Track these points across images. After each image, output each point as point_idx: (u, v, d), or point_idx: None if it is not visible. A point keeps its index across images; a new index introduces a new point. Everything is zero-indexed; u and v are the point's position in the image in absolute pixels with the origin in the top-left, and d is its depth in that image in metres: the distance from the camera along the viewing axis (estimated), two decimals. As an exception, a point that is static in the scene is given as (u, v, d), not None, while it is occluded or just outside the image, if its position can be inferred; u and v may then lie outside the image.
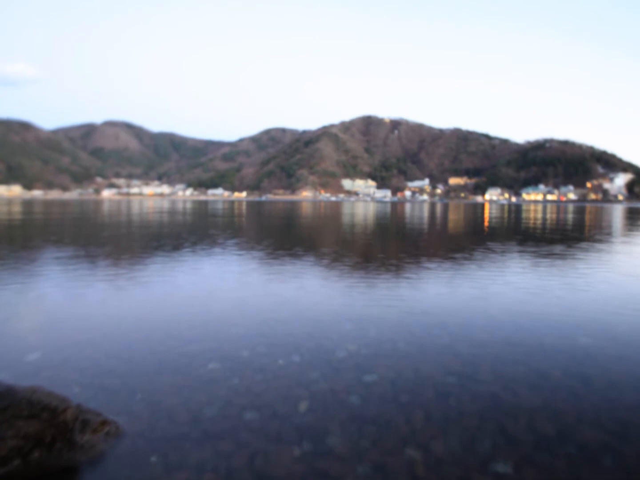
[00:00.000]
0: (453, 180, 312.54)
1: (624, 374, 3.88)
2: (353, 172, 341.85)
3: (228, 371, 3.86)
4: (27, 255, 10.95)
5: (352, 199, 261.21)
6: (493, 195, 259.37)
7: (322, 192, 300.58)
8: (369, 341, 4.67)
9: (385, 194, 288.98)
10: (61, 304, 6.27)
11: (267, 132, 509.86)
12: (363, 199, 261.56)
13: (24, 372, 3.80)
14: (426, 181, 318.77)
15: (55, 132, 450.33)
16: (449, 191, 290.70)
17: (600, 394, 3.46)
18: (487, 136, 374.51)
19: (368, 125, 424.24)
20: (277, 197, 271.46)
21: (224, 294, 6.93)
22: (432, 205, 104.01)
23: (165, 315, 5.66)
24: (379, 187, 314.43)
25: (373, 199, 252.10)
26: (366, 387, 3.58)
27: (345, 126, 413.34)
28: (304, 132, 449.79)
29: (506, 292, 7.17)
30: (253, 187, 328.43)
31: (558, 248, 13.42)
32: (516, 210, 62.44)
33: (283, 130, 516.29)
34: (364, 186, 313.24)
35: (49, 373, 3.79)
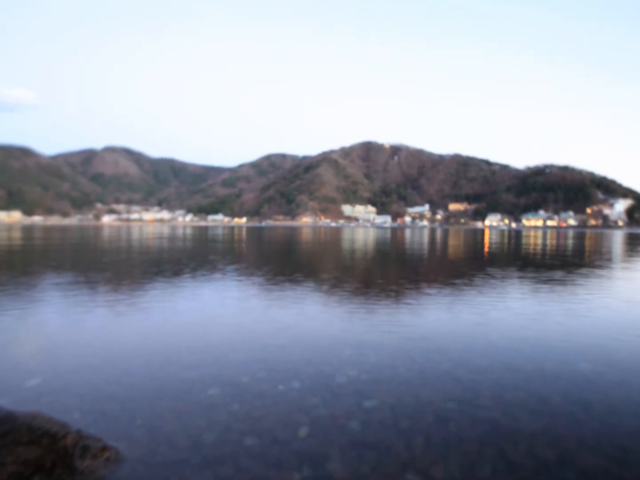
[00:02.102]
0: (453, 206, 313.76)
1: (625, 399, 3.88)
2: (353, 197, 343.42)
3: (228, 397, 3.86)
4: (27, 281, 10.97)
5: (352, 224, 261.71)
6: (493, 221, 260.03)
7: (322, 218, 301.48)
8: (369, 367, 4.67)
9: (385, 220, 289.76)
10: (61, 329, 6.28)
11: (267, 158, 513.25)
12: (363, 224, 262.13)
13: (24, 397, 3.80)
14: (426, 207, 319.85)
15: (55, 157, 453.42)
16: (449, 217, 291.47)
17: (601, 420, 3.46)
18: (487, 162, 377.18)
19: (368, 150, 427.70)
20: (277, 223, 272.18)
21: (224, 320, 6.94)
22: (432, 231, 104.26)
23: (165, 341, 5.66)
24: (379, 212, 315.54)
25: (373, 225, 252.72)
26: (366, 412, 3.58)
27: (345, 152, 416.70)
28: (304, 157, 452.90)
29: (506, 318, 7.17)
30: (253, 213, 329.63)
31: (558, 274, 13.44)
32: (516, 236, 62.55)
33: (283, 156, 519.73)
34: (364, 212, 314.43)
35: (49, 399, 3.79)
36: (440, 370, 4.58)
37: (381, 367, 4.67)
